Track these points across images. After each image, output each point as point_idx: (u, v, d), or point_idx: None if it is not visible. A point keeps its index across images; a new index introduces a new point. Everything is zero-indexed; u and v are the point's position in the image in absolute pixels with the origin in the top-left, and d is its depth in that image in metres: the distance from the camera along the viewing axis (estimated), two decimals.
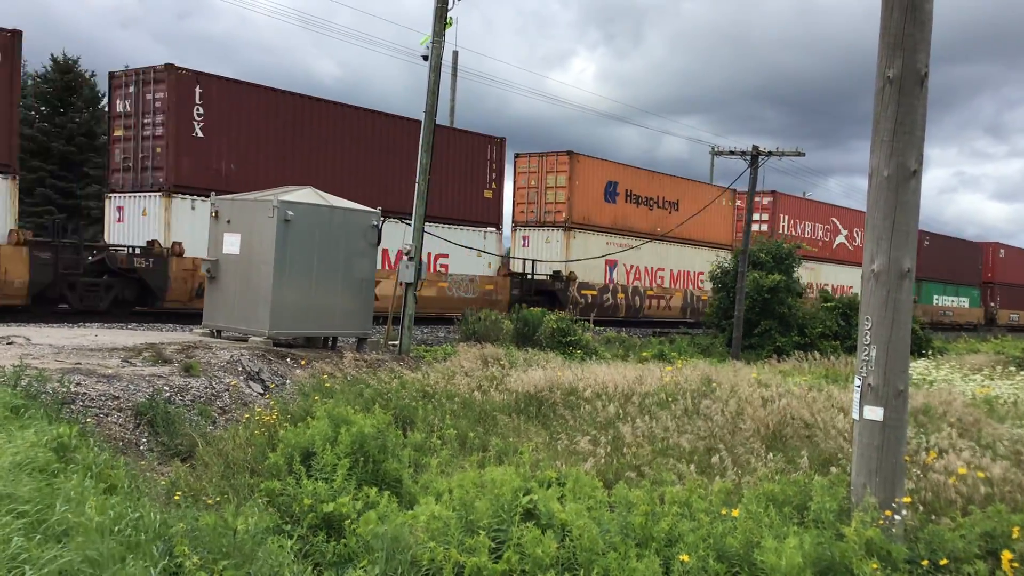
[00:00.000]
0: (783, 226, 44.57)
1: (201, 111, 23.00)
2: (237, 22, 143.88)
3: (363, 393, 12.30)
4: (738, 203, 41.82)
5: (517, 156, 35.23)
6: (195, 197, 22.65)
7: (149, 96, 23.21)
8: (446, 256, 28.93)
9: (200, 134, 23.00)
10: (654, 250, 37.48)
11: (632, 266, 36.64)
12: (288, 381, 14.07)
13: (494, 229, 31.38)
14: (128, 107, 23.61)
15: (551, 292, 33.17)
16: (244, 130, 23.94)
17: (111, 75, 24.40)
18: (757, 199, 34.59)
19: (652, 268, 37.94)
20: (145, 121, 23.27)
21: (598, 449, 9.66)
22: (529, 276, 33.03)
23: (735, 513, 6.77)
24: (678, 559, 6.13)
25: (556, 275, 33.69)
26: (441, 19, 18.72)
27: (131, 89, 23.59)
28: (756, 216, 37.57)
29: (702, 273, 37.23)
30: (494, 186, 31.19)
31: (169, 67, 22.77)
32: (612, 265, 35.44)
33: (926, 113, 6.95)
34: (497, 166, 31.47)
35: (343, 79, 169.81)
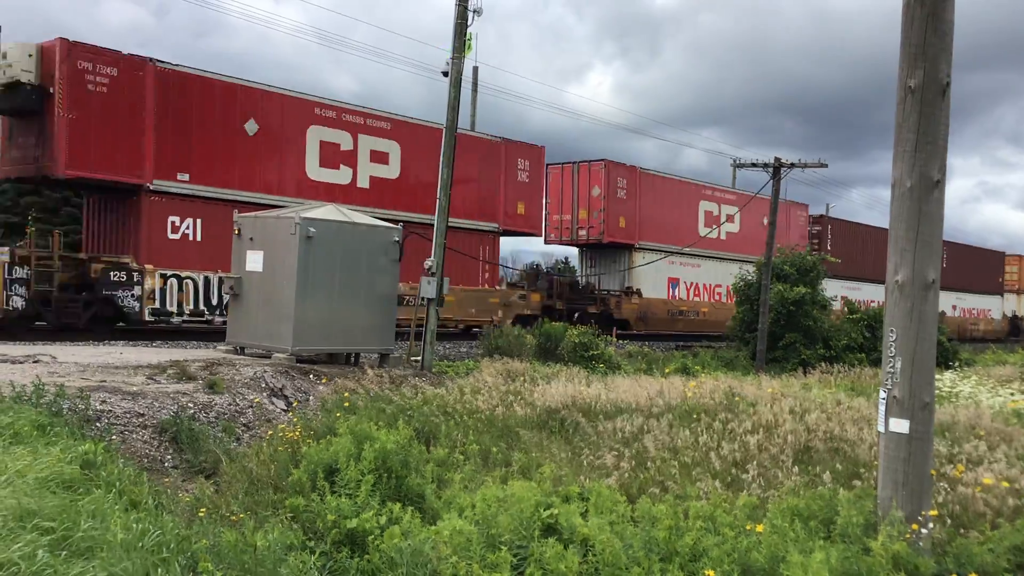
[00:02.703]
0: None
1: None
2: (255, 40, 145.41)
3: (385, 409, 12.31)
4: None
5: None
6: None
7: None
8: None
9: None
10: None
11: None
12: (311, 397, 14.12)
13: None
14: None
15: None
16: None
17: None
18: None
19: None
20: None
21: (621, 464, 9.61)
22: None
23: (760, 528, 6.71)
24: (703, 574, 6.08)
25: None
26: (461, 35, 18.81)
27: None
28: None
29: None
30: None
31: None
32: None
33: (948, 123, 6.90)
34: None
35: (361, 95, 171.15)
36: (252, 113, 23.57)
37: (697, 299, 39.03)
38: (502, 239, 31.37)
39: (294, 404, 13.59)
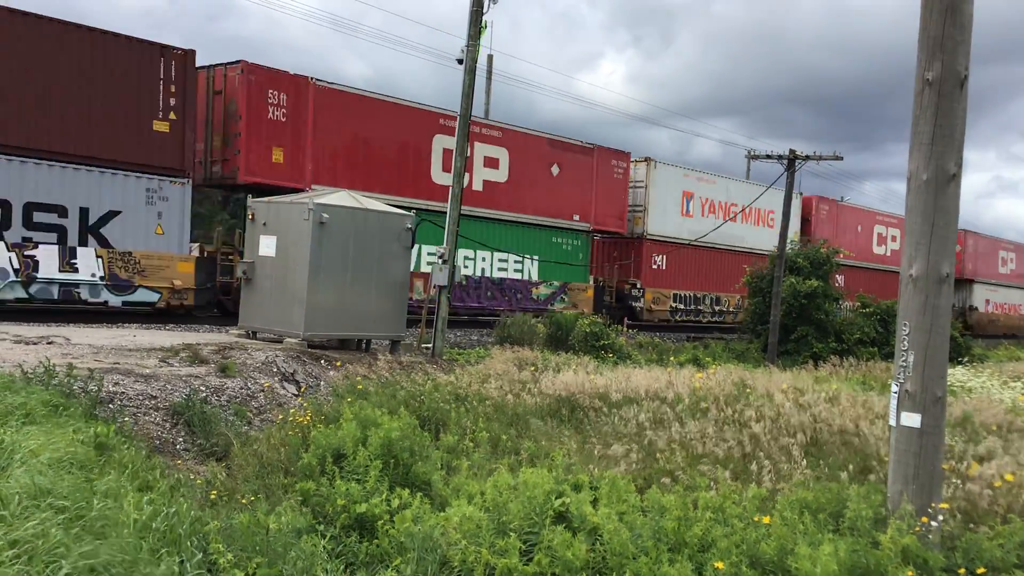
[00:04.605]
0: None
1: None
2: (267, 23, 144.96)
3: (396, 395, 12.34)
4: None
5: None
6: None
7: None
8: None
9: None
10: None
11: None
12: (322, 382, 14.17)
13: None
14: None
15: None
16: None
17: None
18: None
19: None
20: None
21: (631, 454, 9.61)
22: None
23: (768, 520, 6.71)
24: (711, 565, 6.09)
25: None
26: (476, 23, 18.77)
27: None
28: None
29: None
30: None
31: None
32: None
33: (966, 116, 6.86)
34: None
35: (373, 80, 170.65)
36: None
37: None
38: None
39: (305, 389, 13.64)
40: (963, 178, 6.96)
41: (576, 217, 30.75)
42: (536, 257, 29.48)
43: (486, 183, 27.68)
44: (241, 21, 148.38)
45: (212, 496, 7.87)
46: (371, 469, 7.97)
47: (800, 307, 28.98)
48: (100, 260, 19.29)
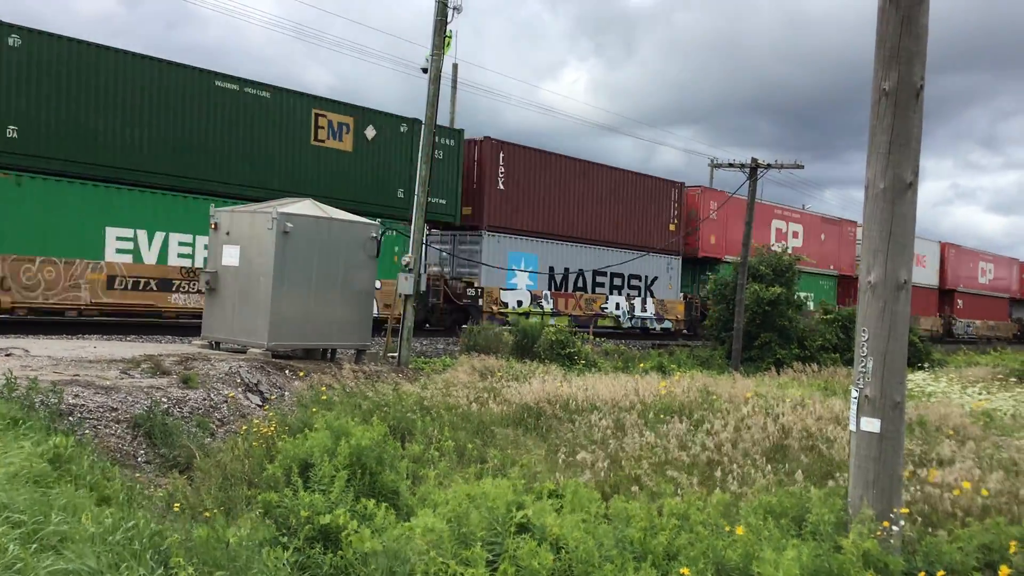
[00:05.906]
0: None
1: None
2: (227, 31, 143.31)
3: (361, 405, 12.28)
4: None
5: None
6: None
7: None
8: None
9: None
10: None
11: None
12: (286, 393, 14.06)
13: None
14: None
15: None
16: None
17: None
18: None
19: None
20: None
21: (597, 463, 9.64)
22: None
23: (739, 531, 6.75)
24: (676, 572, 6.11)
25: None
26: (441, 32, 18.79)
27: None
28: None
29: None
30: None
31: None
32: None
33: (922, 125, 6.97)
34: None
35: (337, 89, 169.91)
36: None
37: None
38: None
39: (269, 399, 13.53)
40: (920, 186, 7.07)
41: (831, 267, 48.02)
42: (811, 294, 44.12)
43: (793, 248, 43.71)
44: (201, 29, 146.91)
45: (176, 508, 7.77)
46: (336, 480, 7.91)
47: (764, 314, 29.27)
48: (653, 305, 36.45)
